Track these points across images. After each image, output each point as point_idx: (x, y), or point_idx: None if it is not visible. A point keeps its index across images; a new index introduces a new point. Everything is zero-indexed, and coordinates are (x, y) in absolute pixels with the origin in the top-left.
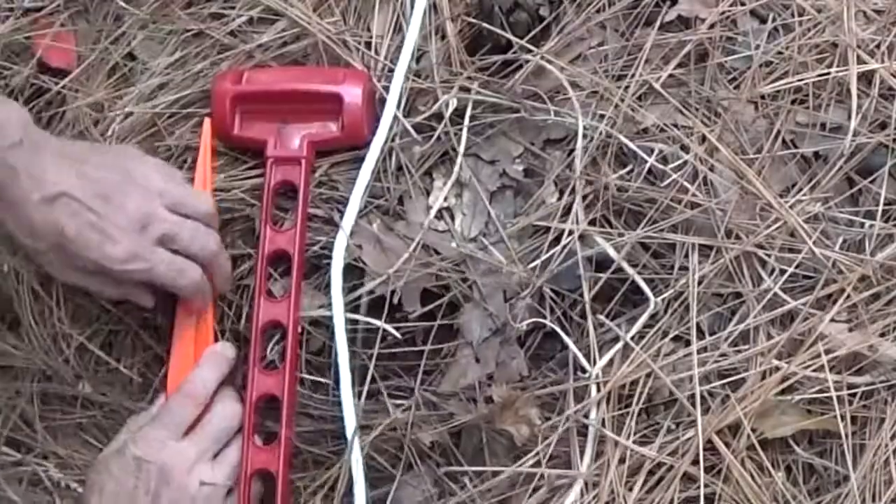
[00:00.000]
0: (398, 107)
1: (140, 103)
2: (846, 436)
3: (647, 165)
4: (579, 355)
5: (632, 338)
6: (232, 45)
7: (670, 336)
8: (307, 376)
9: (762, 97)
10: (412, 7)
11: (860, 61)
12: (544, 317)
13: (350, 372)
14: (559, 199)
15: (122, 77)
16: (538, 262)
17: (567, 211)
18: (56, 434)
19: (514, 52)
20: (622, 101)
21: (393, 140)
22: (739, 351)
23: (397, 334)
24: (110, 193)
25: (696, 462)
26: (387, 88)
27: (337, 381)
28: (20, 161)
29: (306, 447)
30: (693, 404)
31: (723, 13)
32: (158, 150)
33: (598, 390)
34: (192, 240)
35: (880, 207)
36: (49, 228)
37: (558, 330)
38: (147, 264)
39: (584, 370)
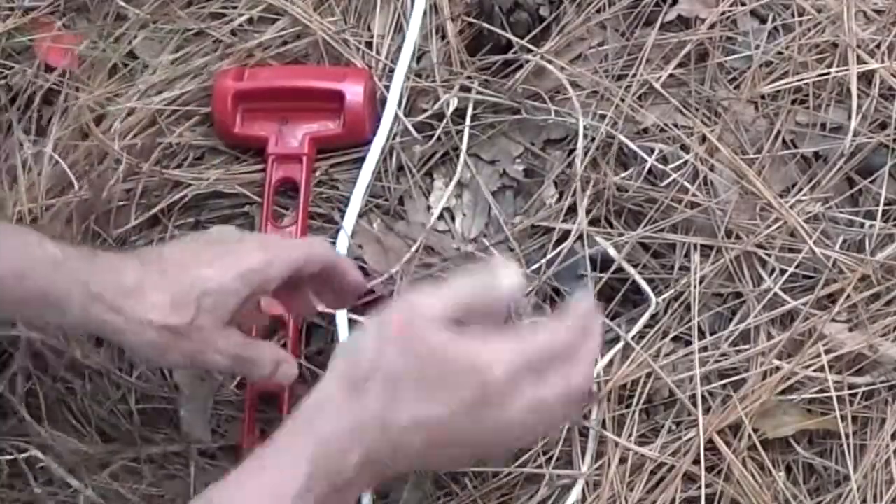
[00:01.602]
0: (399, 106)
1: (141, 101)
2: (847, 436)
3: (648, 165)
4: None
5: (632, 338)
6: (232, 43)
7: (671, 336)
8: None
9: (762, 97)
10: (412, 7)
11: (860, 61)
12: (545, 316)
13: None
14: (559, 199)
15: (123, 76)
16: (539, 262)
17: (567, 211)
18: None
19: (515, 52)
20: (622, 101)
21: (393, 139)
22: (740, 351)
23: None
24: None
25: (696, 462)
26: (387, 88)
27: None
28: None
29: None
30: (694, 404)
31: (723, 13)
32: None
33: (599, 390)
34: None
35: (880, 207)
36: (189, 281)
37: None
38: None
39: None
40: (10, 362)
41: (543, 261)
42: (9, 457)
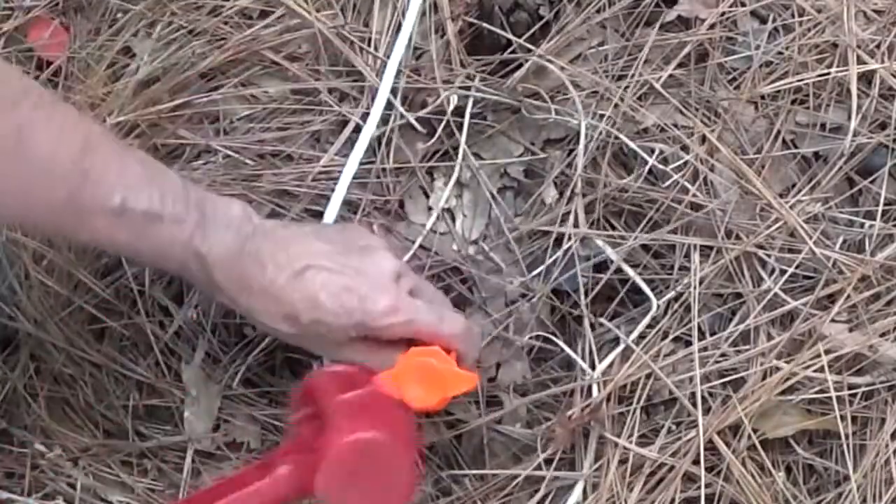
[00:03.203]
0: (394, 96)
1: (137, 97)
2: (846, 436)
3: (648, 166)
4: (581, 362)
5: (633, 339)
6: (229, 38)
7: (671, 337)
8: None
9: (762, 97)
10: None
11: (860, 61)
12: (545, 318)
13: None
14: (559, 199)
15: (119, 73)
16: (539, 263)
17: (568, 212)
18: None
19: (514, 52)
20: (622, 101)
21: (391, 134)
22: (740, 351)
23: None
24: (355, 254)
25: (696, 462)
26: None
27: None
28: (261, 248)
29: None
30: (694, 404)
31: (723, 13)
32: (157, 146)
33: (599, 391)
34: (434, 294)
35: (880, 207)
36: (303, 306)
37: (561, 344)
38: (408, 315)
39: (584, 371)
40: (12, 357)
41: (539, 263)
42: (13, 448)
